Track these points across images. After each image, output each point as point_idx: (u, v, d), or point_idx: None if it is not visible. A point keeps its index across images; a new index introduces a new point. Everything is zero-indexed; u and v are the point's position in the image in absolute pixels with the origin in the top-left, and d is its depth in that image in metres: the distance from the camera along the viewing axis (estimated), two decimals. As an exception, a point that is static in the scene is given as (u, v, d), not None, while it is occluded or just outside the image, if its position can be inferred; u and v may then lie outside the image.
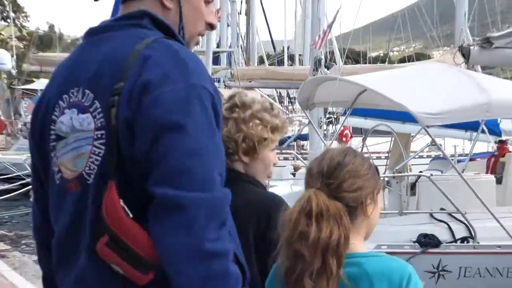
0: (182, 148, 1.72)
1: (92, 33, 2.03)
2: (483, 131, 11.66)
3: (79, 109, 1.84)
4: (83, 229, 1.86)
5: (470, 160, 11.40)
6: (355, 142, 14.83)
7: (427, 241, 7.62)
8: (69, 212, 1.91)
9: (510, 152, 10.46)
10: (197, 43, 2.35)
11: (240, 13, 25.95)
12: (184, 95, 1.76)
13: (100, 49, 1.93)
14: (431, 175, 8.88)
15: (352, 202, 2.03)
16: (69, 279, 1.96)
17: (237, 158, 2.65)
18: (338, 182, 2.04)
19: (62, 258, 2.00)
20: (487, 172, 9.88)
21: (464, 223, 7.90)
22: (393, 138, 10.74)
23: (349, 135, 15.34)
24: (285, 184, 11.52)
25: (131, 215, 1.71)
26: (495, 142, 11.45)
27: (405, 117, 9.97)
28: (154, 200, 1.70)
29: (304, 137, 16.55)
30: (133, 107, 1.75)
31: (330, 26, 12.41)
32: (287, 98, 24.43)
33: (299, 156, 14.67)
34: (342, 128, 14.31)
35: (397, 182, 8.97)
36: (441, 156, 11.55)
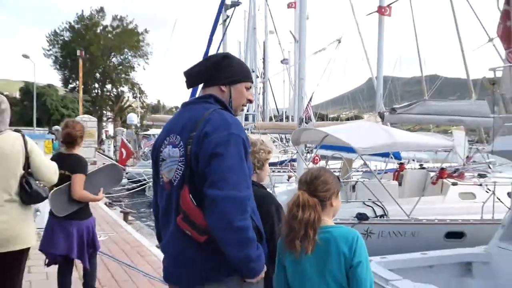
0: (221, 167, 2.21)
1: (183, 105, 2.62)
2: (391, 157, 13.08)
3: (173, 146, 2.41)
4: (172, 209, 2.40)
5: (384, 173, 12.71)
6: (322, 163, 15.43)
7: (361, 217, 8.96)
8: (165, 200, 2.48)
9: (405, 169, 11.97)
10: (242, 110, 2.74)
11: (259, 93, 30.00)
12: (225, 139, 2.25)
13: (186, 114, 2.49)
14: (363, 181, 10.58)
15: (323, 198, 2.51)
16: (166, 234, 2.53)
17: (253, 172, 3.00)
18: (315, 187, 2.51)
19: (163, 224, 2.56)
20: (393, 179, 11.42)
21: (381, 207, 9.30)
22: (342, 161, 12.38)
23: (318, 159, 16.21)
24: (283, 185, 12.76)
25: (195, 203, 2.23)
26: (398, 164, 12.81)
27: (349, 149, 10.85)
28: (206, 196, 2.21)
29: (294, 160, 18.25)
30: (199, 146, 2.27)
31: (309, 102, 14.28)
32: (285, 139, 26.78)
33: (292, 170, 16.26)
34: (314, 155, 15.85)
35: (345, 185, 10.22)
36: (369, 171, 12.31)
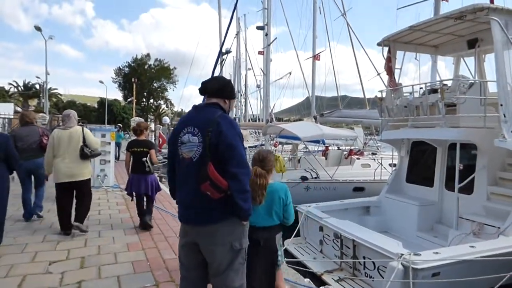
0: (237, 154, 2.12)
1: (195, 107, 2.34)
2: (320, 143, 12.70)
3: (192, 134, 2.16)
4: (191, 176, 2.15)
5: (317, 152, 12.02)
6: (279, 147, 15.09)
7: (304, 178, 9.02)
8: (184, 169, 2.20)
9: (329, 150, 11.89)
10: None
11: (243, 105, 29.37)
12: (236, 135, 2.16)
13: (200, 113, 2.25)
14: (304, 157, 10.67)
15: (268, 169, 2.56)
16: (183, 192, 2.24)
17: None
18: (264, 163, 2.54)
19: (180, 184, 2.26)
20: (322, 156, 11.26)
21: (315, 172, 9.40)
22: (292, 145, 12.63)
23: (277, 144, 14.32)
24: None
25: (218, 174, 2.07)
26: (324, 146, 12.35)
27: (296, 138, 10.60)
28: (229, 172, 2.08)
29: (263, 145, 16.50)
30: (217, 139, 2.10)
31: (271, 110, 14.17)
32: (257, 132, 26.64)
33: None
34: (274, 142, 14.84)
35: (294, 159, 10.91)
36: (308, 151, 12.22)
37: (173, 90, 64.35)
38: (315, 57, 19.49)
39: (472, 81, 6.13)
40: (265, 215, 2.58)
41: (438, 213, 6.50)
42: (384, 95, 7.39)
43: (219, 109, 2.25)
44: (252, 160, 2.59)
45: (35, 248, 4.30)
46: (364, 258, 4.77)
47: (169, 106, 63.19)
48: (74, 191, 4.94)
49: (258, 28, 14.62)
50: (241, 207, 2.10)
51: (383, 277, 4.28)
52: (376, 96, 7.53)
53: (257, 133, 28.51)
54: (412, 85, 6.61)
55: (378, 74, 8.42)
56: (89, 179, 5.11)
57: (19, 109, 41.78)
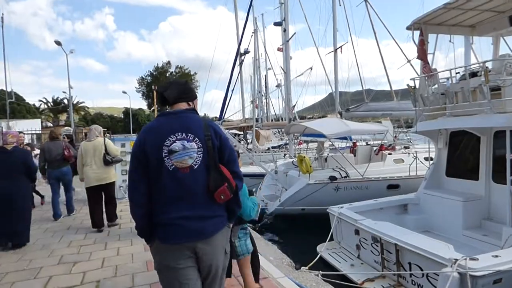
0: (236, 155, 2.16)
1: (169, 114, 2.10)
2: (348, 139, 12.85)
3: (187, 141, 1.97)
4: (198, 186, 1.95)
5: (344, 149, 11.66)
6: (304, 145, 14.95)
7: (332, 178, 8.37)
8: (182, 181, 1.94)
9: (357, 146, 11.25)
10: None
11: (264, 105, 28.71)
12: (227, 137, 2.17)
13: (183, 120, 2.04)
14: (331, 155, 9.96)
15: None
16: (182, 207, 1.94)
17: None
18: None
19: (175, 199, 1.94)
20: (350, 153, 10.58)
21: (344, 171, 8.66)
22: (318, 143, 11.95)
23: (302, 143, 15.10)
24: (281, 160, 11.89)
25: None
26: (352, 143, 12.03)
27: (321, 136, 9.81)
28: (233, 173, 2.07)
29: (287, 144, 16.62)
30: (218, 140, 2.04)
31: (292, 108, 13.55)
32: (280, 131, 26.32)
33: (286, 150, 15.68)
34: (299, 141, 15.13)
35: (320, 158, 10.24)
36: (334, 148, 11.81)
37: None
38: (337, 50, 18.94)
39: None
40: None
41: (486, 208, 5.89)
42: (417, 83, 6.87)
43: (196, 113, 2.16)
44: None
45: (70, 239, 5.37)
46: (409, 264, 4.30)
47: (192, 111, 63.97)
48: (103, 193, 5.74)
49: (276, 24, 14.23)
50: (239, 205, 2.14)
51: (434, 286, 3.84)
52: (408, 85, 6.97)
53: (280, 133, 28.28)
54: (450, 69, 6.02)
55: (409, 61, 7.86)
56: (114, 182, 5.98)
57: (50, 124, 43.70)
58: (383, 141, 10.69)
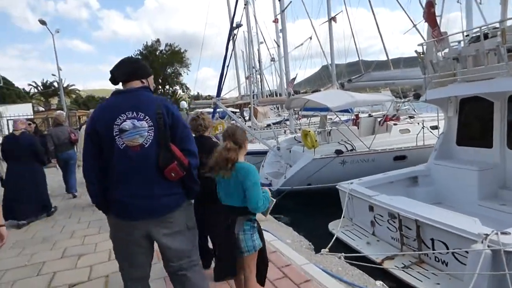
0: (190, 133, 2.17)
1: (119, 92, 2.11)
2: (350, 111, 12.24)
3: (137, 119, 1.98)
4: (147, 165, 1.97)
5: (346, 122, 11.35)
6: (304, 120, 14.93)
7: (338, 151, 8.09)
8: (131, 160, 1.96)
9: (360, 118, 10.90)
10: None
11: (259, 81, 27.92)
12: (181, 115, 2.14)
13: (134, 99, 2.04)
14: (337, 129, 9.42)
15: (240, 144, 2.38)
16: (132, 185, 1.98)
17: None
18: (235, 138, 2.38)
19: (126, 178, 1.98)
20: (353, 125, 10.20)
21: (350, 144, 8.38)
22: (320, 118, 11.36)
23: (301, 118, 15.15)
24: (282, 136, 11.89)
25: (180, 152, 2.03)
26: (354, 115, 11.60)
27: (323, 109, 9.84)
28: (186, 151, 2.06)
29: (287, 120, 16.84)
30: (170, 118, 2.03)
31: (291, 81, 13.10)
32: (276, 107, 25.91)
33: (286, 126, 15.51)
34: (298, 115, 15.04)
35: (323, 132, 9.86)
36: (338, 121, 11.37)
37: (187, 74, 63.69)
38: (332, 19, 18.36)
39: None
40: (227, 193, 2.35)
41: (502, 176, 5.66)
42: (425, 49, 6.48)
43: (149, 91, 2.15)
44: (222, 136, 2.43)
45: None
46: (432, 240, 4.09)
47: (185, 90, 61.82)
48: None
49: (270, -7, 13.53)
50: (197, 182, 2.13)
51: (461, 263, 3.63)
52: (416, 51, 6.57)
53: (278, 109, 27.82)
54: (463, 31, 5.64)
55: (415, 25, 7.37)
56: None
57: (41, 108, 42.92)
58: (385, 112, 10.36)
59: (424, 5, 6.47)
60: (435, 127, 8.59)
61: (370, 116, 11.32)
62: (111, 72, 2.14)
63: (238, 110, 23.00)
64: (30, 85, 55.73)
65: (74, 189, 7.41)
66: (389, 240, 4.94)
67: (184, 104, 27.11)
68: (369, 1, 16.05)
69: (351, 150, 8.33)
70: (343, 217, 5.76)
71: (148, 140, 1.98)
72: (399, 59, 12.17)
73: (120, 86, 2.21)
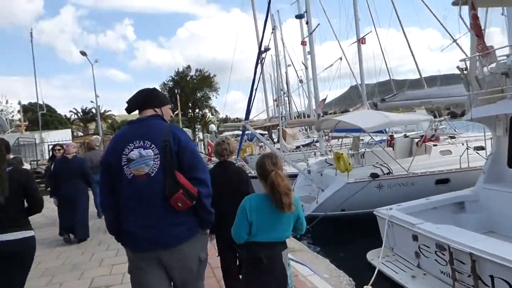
0: (200, 159, 2.11)
1: (132, 122, 2.15)
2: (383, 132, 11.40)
3: (144, 148, 1.98)
4: (153, 194, 1.94)
5: (382, 142, 10.83)
6: (334, 141, 14.45)
7: (374, 175, 7.61)
8: (137, 189, 1.95)
9: (395, 138, 10.47)
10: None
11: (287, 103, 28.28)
12: (191, 141, 2.14)
13: (144, 128, 2.06)
14: (372, 151, 9.05)
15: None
16: (140, 215, 1.96)
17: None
18: (278, 166, 2.17)
19: (134, 207, 1.97)
20: (388, 146, 9.84)
21: (386, 167, 7.92)
22: (353, 139, 11.09)
23: (331, 139, 14.23)
24: (312, 159, 11.33)
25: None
26: (389, 135, 10.94)
27: (355, 130, 9.43)
28: (195, 179, 1.99)
29: (317, 141, 16.58)
30: (176, 145, 1.98)
31: (321, 102, 13.05)
32: (305, 129, 25.70)
33: (316, 148, 15.38)
34: (328, 137, 14.29)
35: (357, 154, 9.51)
36: (368, 143, 11.13)
37: (216, 98, 64.31)
38: (361, 40, 18.20)
39: None
40: (270, 227, 2.10)
41: None
42: (468, 64, 6.08)
43: (161, 119, 2.14)
44: (259, 167, 2.19)
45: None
46: (491, 278, 3.58)
47: (214, 113, 63.28)
48: None
49: (297, 16, 13.64)
50: (210, 212, 2.06)
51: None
52: (458, 67, 6.17)
53: (306, 130, 27.46)
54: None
55: (455, 40, 6.96)
56: None
57: (80, 133, 45.82)
58: (423, 132, 9.79)
59: (469, 17, 6.12)
60: (480, 148, 7.94)
61: (406, 136, 10.74)
62: (127, 102, 2.20)
63: (266, 132, 22.91)
64: (71, 111, 59.98)
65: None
66: (438, 274, 4.44)
67: (213, 127, 27.46)
68: (399, 21, 15.80)
69: (387, 173, 7.82)
70: (384, 246, 5.31)
71: (154, 168, 1.96)
72: (433, 77, 11.62)
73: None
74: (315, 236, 6.69)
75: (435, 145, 8.91)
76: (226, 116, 62.74)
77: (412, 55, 14.98)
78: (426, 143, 9.05)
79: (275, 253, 2.09)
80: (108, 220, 2.11)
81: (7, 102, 38.64)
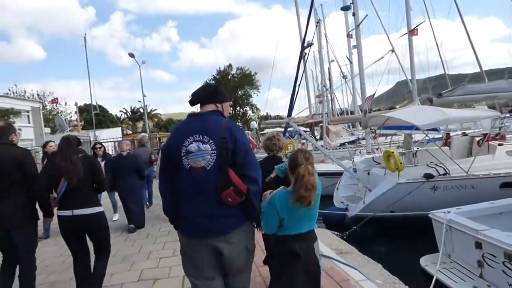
0: (254, 158, 2.18)
1: (193, 115, 2.27)
2: (438, 130, 10.89)
3: (202, 143, 2.09)
4: (206, 187, 2.07)
5: (437, 140, 10.00)
6: (381, 139, 13.85)
7: (428, 176, 7.01)
8: (193, 180, 2.10)
9: (451, 136, 9.54)
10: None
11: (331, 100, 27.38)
12: (246, 139, 2.20)
13: (204, 122, 2.16)
14: (427, 150, 8.31)
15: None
16: (195, 204, 2.11)
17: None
18: (310, 161, 2.20)
19: (191, 196, 2.12)
20: (443, 145, 9.03)
21: (442, 167, 7.30)
22: (405, 137, 10.48)
23: (378, 137, 13.30)
24: (357, 157, 10.91)
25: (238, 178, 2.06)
26: (445, 133, 10.12)
27: (407, 127, 8.89)
28: (249, 177, 2.09)
29: (363, 138, 16.04)
30: (233, 143, 2.08)
31: (370, 98, 12.40)
32: (349, 126, 24.93)
33: (362, 145, 14.93)
34: (375, 134, 13.31)
35: (409, 153, 8.95)
36: (425, 140, 10.33)
37: (257, 95, 64.64)
38: (412, 31, 17.18)
39: None
40: (305, 218, 2.21)
41: None
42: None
43: (220, 115, 2.24)
44: (291, 160, 2.23)
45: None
46: None
47: (255, 111, 63.43)
48: None
49: (343, 8, 13.11)
50: (257, 209, 2.16)
51: None
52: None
53: (350, 127, 26.53)
54: None
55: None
56: None
57: (129, 131, 48.75)
58: (485, 131, 8.94)
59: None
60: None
61: (465, 134, 9.86)
62: (192, 95, 2.32)
63: (308, 129, 22.46)
64: (121, 111, 64.34)
65: (146, 200, 8.33)
66: (505, 286, 3.97)
67: (254, 124, 27.37)
68: (458, 9, 14.66)
69: (443, 174, 7.20)
70: (435, 251, 4.93)
71: (210, 163, 2.08)
72: (494, 70, 10.58)
73: (198, 108, 2.35)
74: (363, 238, 6.33)
75: (500, 145, 8.07)
76: (267, 113, 62.80)
77: (472, 46, 13.80)
78: (490, 142, 8.25)
79: (309, 246, 2.18)
80: (165, 203, 2.28)
81: (65, 104, 42.86)
